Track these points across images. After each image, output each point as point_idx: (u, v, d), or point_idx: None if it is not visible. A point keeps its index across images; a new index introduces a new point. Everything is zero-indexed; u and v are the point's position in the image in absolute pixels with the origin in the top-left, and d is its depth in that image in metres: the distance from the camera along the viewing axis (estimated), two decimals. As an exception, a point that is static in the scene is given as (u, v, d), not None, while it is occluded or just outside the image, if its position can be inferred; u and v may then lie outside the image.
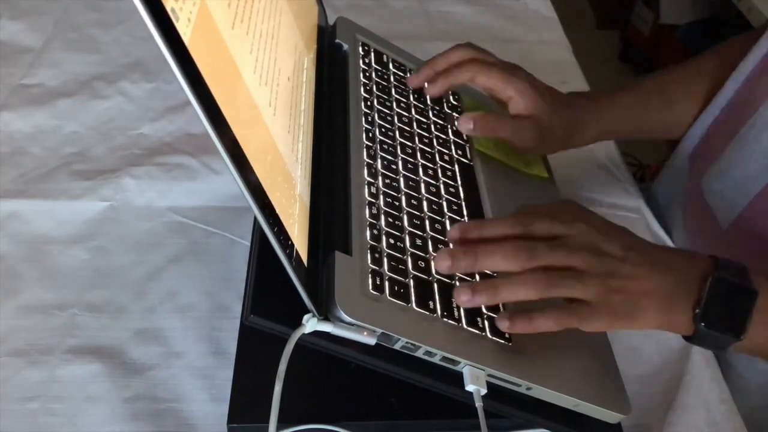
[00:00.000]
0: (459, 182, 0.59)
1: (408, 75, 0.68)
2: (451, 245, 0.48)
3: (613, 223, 0.50)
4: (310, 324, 0.43)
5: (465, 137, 0.65)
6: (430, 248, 0.51)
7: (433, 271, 0.49)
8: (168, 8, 0.31)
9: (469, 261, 0.46)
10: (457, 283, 0.49)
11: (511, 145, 0.63)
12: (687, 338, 0.48)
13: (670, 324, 0.47)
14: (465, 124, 0.61)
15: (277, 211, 0.40)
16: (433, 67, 0.64)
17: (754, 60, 0.67)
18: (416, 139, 0.60)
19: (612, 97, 0.69)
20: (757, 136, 0.64)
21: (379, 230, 0.50)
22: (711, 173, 0.68)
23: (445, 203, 0.56)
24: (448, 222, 0.54)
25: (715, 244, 0.68)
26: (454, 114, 0.66)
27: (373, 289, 0.45)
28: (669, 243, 0.72)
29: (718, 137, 0.70)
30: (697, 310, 0.46)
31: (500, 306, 0.50)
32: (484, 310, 0.49)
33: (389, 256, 0.48)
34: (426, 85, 0.65)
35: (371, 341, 0.44)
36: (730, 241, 0.65)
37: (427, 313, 0.46)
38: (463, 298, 0.46)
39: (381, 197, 0.52)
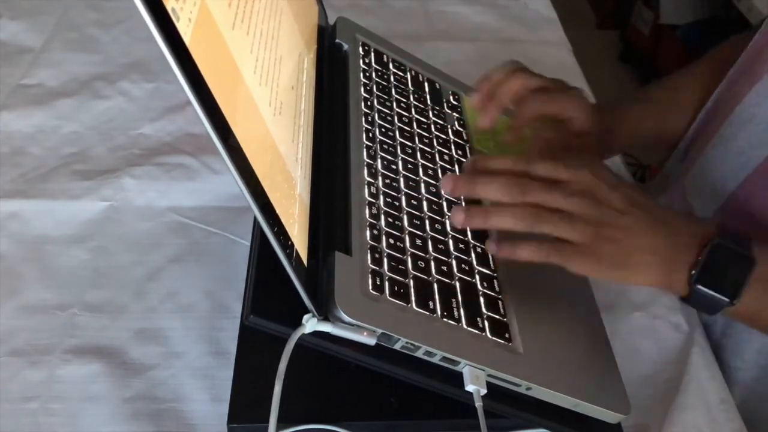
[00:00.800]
0: (459, 182, 0.59)
1: (408, 75, 0.68)
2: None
3: (627, 181, 0.51)
4: (310, 324, 0.43)
5: (465, 137, 0.65)
6: (430, 248, 0.51)
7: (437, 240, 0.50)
8: (168, 8, 0.31)
9: (469, 187, 0.49)
10: (434, 268, 0.49)
11: (518, 145, 0.62)
12: (682, 299, 0.49)
13: (666, 282, 0.48)
14: (535, 145, 0.59)
15: (277, 211, 0.40)
16: (498, 101, 0.61)
17: (739, 61, 0.68)
18: (416, 139, 0.61)
19: (629, 104, 0.70)
20: (734, 135, 0.65)
21: (379, 230, 0.50)
22: (692, 172, 0.70)
23: (445, 203, 0.56)
24: (448, 222, 0.54)
25: None
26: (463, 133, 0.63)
27: (373, 289, 0.45)
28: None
29: (701, 138, 0.71)
30: (694, 272, 0.47)
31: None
32: (484, 311, 0.49)
33: (389, 256, 0.48)
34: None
35: (371, 341, 0.44)
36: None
37: (427, 313, 0.46)
38: (456, 218, 0.49)
39: (381, 197, 0.52)
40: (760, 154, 0.62)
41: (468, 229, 0.55)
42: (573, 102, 0.61)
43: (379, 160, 0.56)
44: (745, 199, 0.64)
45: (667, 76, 0.76)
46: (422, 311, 0.46)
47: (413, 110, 0.64)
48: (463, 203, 0.55)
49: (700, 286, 0.47)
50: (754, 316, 0.49)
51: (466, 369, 0.46)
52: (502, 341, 0.48)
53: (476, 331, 0.47)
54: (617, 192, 0.48)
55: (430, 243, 0.51)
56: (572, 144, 0.61)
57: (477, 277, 0.51)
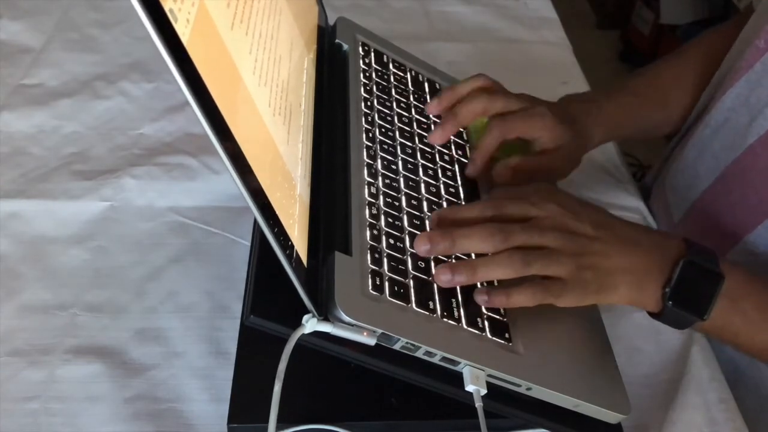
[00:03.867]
0: (459, 182, 0.59)
1: (408, 75, 0.68)
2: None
3: (586, 201, 0.52)
4: (310, 324, 0.43)
5: (465, 137, 0.65)
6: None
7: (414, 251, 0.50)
8: (166, 9, 0.31)
9: (447, 243, 0.48)
10: (434, 269, 0.49)
11: (521, 148, 0.62)
12: (652, 315, 0.50)
13: (639, 300, 0.49)
14: (503, 175, 0.59)
15: (277, 211, 0.40)
16: (457, 122, 0.61)
17: (723, 64, 0.68)
18: (416, 139, 0.60)
19: (608, 97, 0.69)
20: (710, 137, 0.66)
21: (379, 230, 0.50)
22: (672, 170, 0.71)
23: (445, 203, 0.56)
24: (456, 262, 0.54)
25: None
26: (476, 156, 0.60)
27: (372, 289, 0.45)
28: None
29: (684, 136, 0.72)
30: (667, 290, 0.48)
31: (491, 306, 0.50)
32: (484, 311, 0.49)
33: (389, 256, 0.48)
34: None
35: (371, 341, 0.44)
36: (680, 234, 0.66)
37: (427, 313, 0.46)
38: (442, 278, 0.47)
39: (381, 197, 0.52)
40: (729, 158, 0.63)
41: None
42: (535, 123, 0.60)
43: (379, 160, 0.56)
44: (709, 202, 0.66)
45: (651, 65, 0.75)
46: (422, 311, 0.46)
47: (413, 110, 0.64)
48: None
49: (672, 304, 0.48)
50: (720, 330, 0.51)
51: (466, 369, 0.46)
52: (502, 341, 0.48)
53: (476, 331, 0.47)
54: (583, 218, 0.49)
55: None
56: (540, 165, 0.61)
57: (453, 259, 0.51)
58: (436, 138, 0.61)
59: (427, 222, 0.53)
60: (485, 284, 0.49)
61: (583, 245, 0.48)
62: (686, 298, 0.48)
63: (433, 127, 0.63)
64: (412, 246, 0.50)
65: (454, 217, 0.50)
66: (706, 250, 0.50)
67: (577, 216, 0.49)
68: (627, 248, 0.49)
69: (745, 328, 0.50)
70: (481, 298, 0.48)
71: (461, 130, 0.64)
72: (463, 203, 0.57)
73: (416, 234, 0.51)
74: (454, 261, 0.50)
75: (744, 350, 0.53)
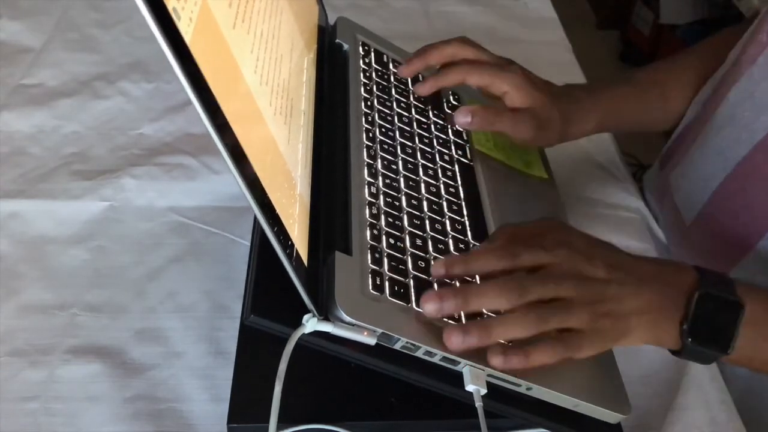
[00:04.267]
0: (459, 182, 0.59)
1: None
2: (435, 282, 0.48)
3: (596, 239, 0.50)
4: (310, 324, 0.43)
5: (465, 137, 0.65)
6: (430, 248, 0.51)
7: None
8: (170, 8, 0.31)
9: (459, 302, 0.45)
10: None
11: (510, 139, 0.62)
12: (674, 352, 0.48)
13: (657, 339, 0.47)
14: (462, 117, 0.59)
15: (278, 210, 0.40)
16: (425, 59, 0.63)
17: (727, 61, 0.68)
18: (416, 139, 0.60)
19: (608, 87, 0.69)
20: (718, 133, 0.65)
21: (380, 230, 0.50)
22: (677, 171, 0.70)
23: (445, 203, 0.56)
24: (448, 222, 0.54)
25: (681, 240, 0.69)
26: (430, 80, 0.63)
27: (373, 289, 0.45)
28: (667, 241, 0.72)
29: (687, 135, 0.71)
30: (685, 326, 0.46)
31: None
32: (484, 311, 0.49)
33: (389, 256, 0.48)
34: (418, 78, 0.64)
35: (371, 341, 0.44)
36: (693, 237, 0.66)
37: (428, 313, 0.46)
38: (453, 340, 0.44)
39: (381, 197, 0.52)
40: (738, 155, 0.62)
41: (468, 229, 0.55)
42: (501, 77, 0.59)
43: (379, 160, 0.56)
44: (721, 203, 0.64)
45: (656, 62, 0.76)
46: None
47: (413, 110, 0.64)
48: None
49: (691, 342, 0.46)
50: (750, 360, 0.49)
51: (466, 369, 0.45)
52: (502, 341, 0.48)
53: (476, 331, 0.47)
54: (596, 260, 0.47)
55: (430, 243, 0.51)
56: (502, 118, 0.60)
57: (477, 277, 0.51)
58: (402, 70, 0.64)
59: (426, 222, 0.53)
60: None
61: (598, 292, 0.46)
62: (706, 334, 0.46)
63: (433, 126, 0.63)
64: (412, 246, 0.50)
65: (464, 269, 0.47)
66: (721, 278, 0.48)
67: (589, 259, 0.47)
68: (641, 288, 0.47)
69: None
70: (496, 360, 0.44)
71: (463, 131, 0.64)
72: (470, 241, 0.54)
73: (416, 234, 0.51)
74: (464, 321, 0.47)
75: None
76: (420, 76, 0.66)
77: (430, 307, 0.44)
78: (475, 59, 0.62)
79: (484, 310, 0.47)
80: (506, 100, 0.61)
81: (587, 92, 0.67)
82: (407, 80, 0.67)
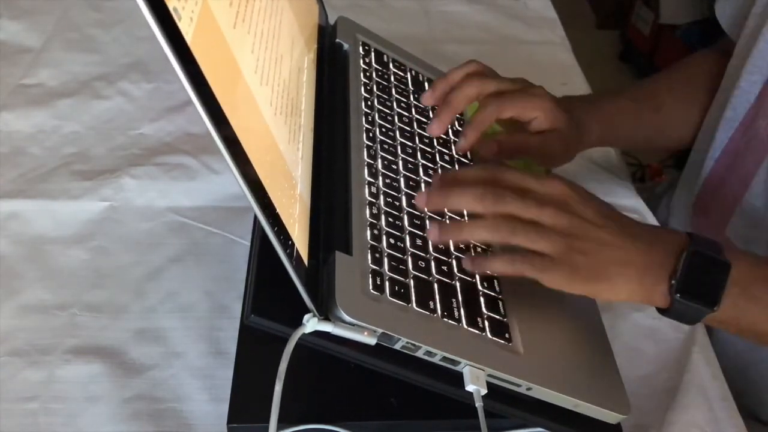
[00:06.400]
0: (459, 182, 0.59)
1: (408, 75, 0.68)
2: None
3: (597, 197, 0.50)
4: (311, 324, 0.43)
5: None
6: (431, 248, 0.51)
7: (429, 244, 0.51)
8: (170, 7, 0.31)
9: (441, 199, 0.49)
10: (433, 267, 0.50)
11: (539, 162, 0.62)
12: (661, 311, 0.49)
13: (644, 295, 0.48)
14: (489, 148, 0.58)
15: (278, 210, 0.40)
16: (452, 110, 0.60)
17: (740, 107, 0.67)
18: (416, 138, 0.61)
19: (606, 98, 0.70)
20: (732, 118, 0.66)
21: (380, 230, 0.50)
22: (735, 220, 0.68)
23: (445, 203, 0.56)
24: (448, 222, 0.54)
25: None
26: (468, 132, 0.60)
27: (373, 289, 0.45)
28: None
29: (727, 183, 0.69)
30: (674, 281, 0.47)
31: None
32: (484, 311, 0.49)
33: (389, 256, 0.48)
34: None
35: (371, 341, 0.44)
36: None
37: (428, 313, 0.46)
38: (431, 234, 0.49)
39: (381, 197, 0.52)
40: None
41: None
42: (531, 103, 0.59)
43: (379, 160, 0.56)
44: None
45: (655, 74, 0.77)
46: (422, 311, 0.46)
47: (413, 110, 0.64)
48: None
49: (680, 297, 0.46)
50: (736, 321, 0.49)
51: (467, 369, 0.45)
52: (503, 341, 0.48)
53: (476, 331, 0.47)
54: (590, 204, 0.48)
55: (430, 243, 0.51)
56: (530, 143, 0.60)
57: (477, 277, 0.51)
58: (434, 129, 0.60)
59: (427, 222, 0.53)
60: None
61: (582, 229, 0.47)
62: (695, 289, 0.46)
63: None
64: (412, 246, 0.50)
65: (455, 175, 0.50)
66: (711, 241, 0.49)
67: (583, 199, 0.48)
68: (627, 241, 0.47)
69: (763, 315, 0.49)
70: (465, 262, 0.49)
71: (459, 116, 0.64)
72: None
73: (416, 234, 0.51)
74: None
75: (767, 340, 0.52)
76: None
77: (419, 201, 0.50)
78: (497, 90, 0.60)
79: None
80: (533, 125, 0.60)
81: (588, 104, 0.67)
82: (407, 80, 0.68)
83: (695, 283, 0.47)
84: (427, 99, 0.63)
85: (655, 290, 0.47)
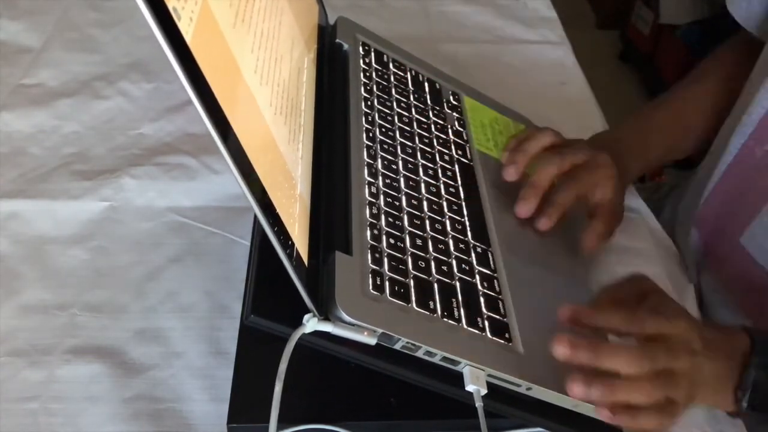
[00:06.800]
0: (459, 182, 0.59)
1: (408, 75, 0.68)
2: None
3: (686, 311, 0.51)
4: (311, 324, 0.43)
5: (465, 137, 0.65)
6: (431, 248, 0.51)
7: (433, 272, 0.49)
8: (170, 7, 0.31)
9: (590, 355, 0.45)
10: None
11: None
12: (731, 414, 0.52)
13: (715, 403, 0.51)
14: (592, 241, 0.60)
15: (278, 210, 0.40)
16: (538, 190, 0.59)
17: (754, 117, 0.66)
18: (416, 139, 0.60)
19: (635, 136, 0.70)
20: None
21: (380, 230, 0.50)
22: (753, 230, 0.67)
23: (445, 203, 0.56)
24: (448, 222, 0.54)
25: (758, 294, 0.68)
26: (552, 212, 0.59)
27: (373, 289, 0.45)
28: (668, 240, 0.72)
29: (746, 194, 0.68)
30: (740, 394, 0.49)
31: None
32: (484, 311, 0.49)
33: (389, 256, 0.48)
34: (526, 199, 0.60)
35: (371, 341, 0.44)
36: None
37: (428, 313, 0.46)
38: (575, 390, 0.44)
39: (381, 197, 0.52)
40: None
41: (468, 229, 0.55)
42: (599, 181, 0.60)
43: (379, 160, 0.56)
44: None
45: (668, 92, 0.76)
46: (423, 311, 0.46)
47: (413, 110, 0.64)
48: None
49: (747, 408, 0.48)
50: None
51: (467, 369, 0.45)
52: (503, 341, 0.48)
53: (476, 331, 0.47)
54: (695, 333, 0.48)
55: (430, 243, 0.51)
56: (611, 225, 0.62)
57: (477, 277, 0.51)
58: (524, 211, 0.59)
59: (427, 222, 0.53)
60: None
61: (695, 365, 0.47)
62: (763, 403, 0.48)
63: (433, 126, 0.63)
64: (412, 246, 0.50)
65: (591, 320, 0.48)
66: None
67: (698, 332, 0.48)
68: (708, 357, 0.48)
69: None
70: (603, 413, 0.45)
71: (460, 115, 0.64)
72: (470, 241, 0.54)
73: (416, 234, 0.51)
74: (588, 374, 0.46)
75: None
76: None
77: (561, 350, 0.45)
78: (571, 166, 0.60)
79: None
80: (597, 194, 0.61)
81: (622, 147, 0.67)
82: (407, 80, 0.68)
83: (762, 398, 0.48)
84: (512, 175, 0.61)
85: (724, 400, 0.50)
